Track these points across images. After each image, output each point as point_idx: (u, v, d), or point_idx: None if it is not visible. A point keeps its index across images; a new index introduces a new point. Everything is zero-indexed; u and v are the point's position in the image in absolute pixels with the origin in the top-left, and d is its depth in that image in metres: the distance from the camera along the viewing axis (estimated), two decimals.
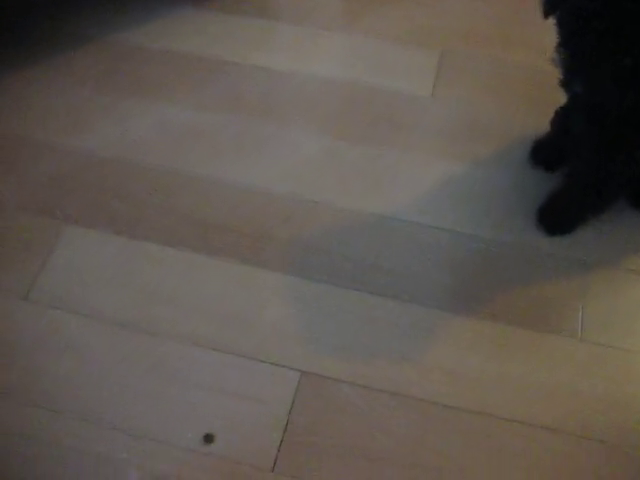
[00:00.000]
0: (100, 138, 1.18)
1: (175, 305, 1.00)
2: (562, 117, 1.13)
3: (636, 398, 0.95)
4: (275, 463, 0.88)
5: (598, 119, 0.97)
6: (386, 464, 0.88)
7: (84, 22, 1.35)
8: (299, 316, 1.00)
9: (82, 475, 0.87)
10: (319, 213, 1.11)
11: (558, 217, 1.11)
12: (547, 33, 0.91)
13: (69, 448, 0.88)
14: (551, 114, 1.14)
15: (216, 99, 1.24)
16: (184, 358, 0.95)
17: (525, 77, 1.27)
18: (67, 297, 1.00)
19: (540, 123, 1.17)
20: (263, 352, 0.96)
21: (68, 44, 1.31)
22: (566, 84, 0.92)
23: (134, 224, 1.08)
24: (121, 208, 1.10)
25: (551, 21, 0.87)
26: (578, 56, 0.86)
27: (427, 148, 1.19)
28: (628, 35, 0.79)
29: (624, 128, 0.94)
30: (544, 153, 1.17)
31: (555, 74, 0.94)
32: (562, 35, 0.88)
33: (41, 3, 1.36)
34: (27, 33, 1.33)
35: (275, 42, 1.35)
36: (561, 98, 1.03)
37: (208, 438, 0.89)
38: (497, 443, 0.91)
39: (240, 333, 0.98)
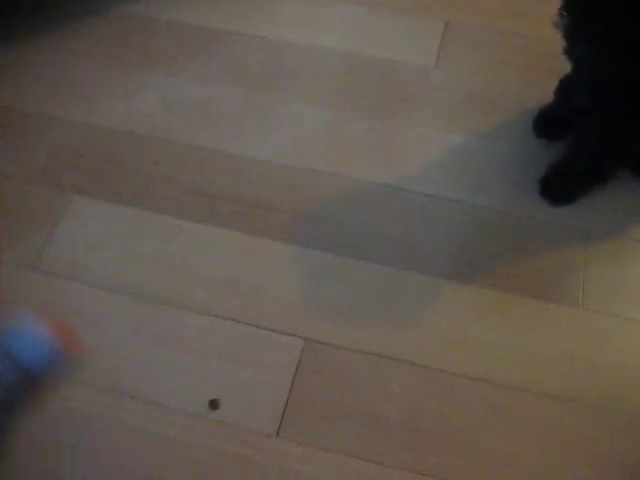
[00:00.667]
0: (106, 111, 1.19)
1: (181, 274, 1.02)
2: (565, 87, 1.13)
3: (636, 365, 0.96)
4: (279, 428, 0.89)
5: (601, 90, 0.98)
6: (387, 428, 0.90)
7: None
8: (303, 284, 1.01)
9: (92, 439, 0.89)
10: (322, 183, 1.12)
11: (561, 187, 1.11)
12: (552, 3, 0.91)
13: (79, 413, 0.90)
14: (555, 84, 1.15)
15: (220, 71, 1.25)
16: (190, 326, 0.97)
17: (529, 48, 1.27)
18: (74, 267, 1.02)
19: (544, 93, 1.17)
20: (267, 320, 0.98)
21: (73, 18, 1.32)
22: (568, 50, 0.92)
23: (140, 195, 1.09)
24: (127, 179, 1.11)
25: None
26: (581, 20, 0.86)
27: (431, 119, 1.20)
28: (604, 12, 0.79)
29: (626, 100, 0.94)
30: (548, 123, 1.18)
31: (559, 44, 0.94)
32: None
33: None
34: (31, 8, 1.33)
35: (279, 13, 1.35)
36: (565, 68, 1.03)
37: (213, 404, 0.90)
38: (496, 409, 0.92)
39: (244, 301, 0.99)
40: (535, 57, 1.25)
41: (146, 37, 1.29)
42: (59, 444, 0.88)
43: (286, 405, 0.91)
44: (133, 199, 1.09)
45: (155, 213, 1.08)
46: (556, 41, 0.93)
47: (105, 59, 1.27)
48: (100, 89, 1.22)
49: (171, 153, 1.14)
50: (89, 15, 1.33)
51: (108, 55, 1.27)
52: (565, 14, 0.88)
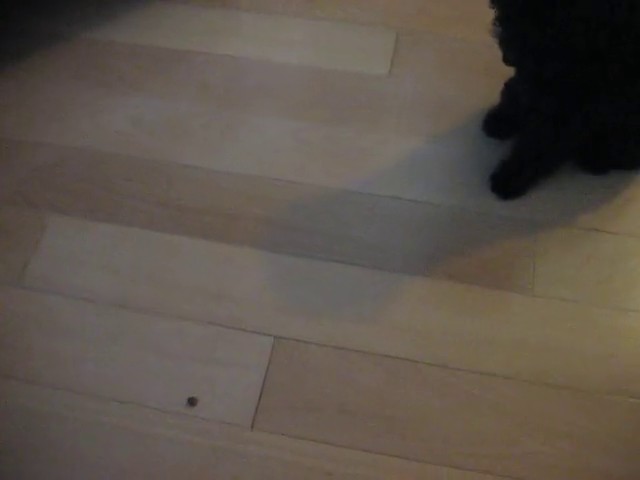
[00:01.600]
0: (77, 132, 1.25)
1: (155, 283, 1.08)
2: (510, 88, 1.20)
3: (583, 345, 1.04)
4: (254, 421, 0.96)
5: (536, 91, 1.05)
6: (355, 416, 0.97)
7: (54, 21, 1.41)
8: (271, 286, 1.08)
9: (77, 441, 0.94)
10: (285, 191, 1.18)
11: (509, 182, 1.18)
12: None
13: (65, 418, 0.96)
14: (501, 86, 1.22)
15: (185, 89, 1.31)
16: (167, 330, 1.03)
17: (478, 53, 1.35)
18: (55, 281, 1.08)
19: (493, 95, 1.24)
20: (239, 321, 1.04)
21: (40, 45, 1.37)
22: (504, 57, 0.99)
23: (114, 210, 1.15)
24: (101, 196, 1.17)
25: None
26: (508, 28, 0.94)
27: (387, 125, 1.27)
28: (548, 7, 0.86)
29: (559, 96, 1.02)
30: (496, 123, 1.25)
31: None
32: (496, 9, 0.95)
33: (9, 4, 1.42)
34: None
35: (238, 30, 1.42)
36: (510, 70, 1.10)
37: (192, 401, 0.97)
38: (456, 392, 0.99)
39: (217, 305, 1.06)
40: (482, 62, 1.33)
41: (112, 60, 1.35)
42: (44, 445, 0.94)
43: (259, 399, 0.97)
44: (107, 214, 1.15)
45: (128, 227, 1.14)
46: None
47: (73, 82, 1.32)
48: (70, 111, 1.28)
49: (141, 169, 1.20)
50: (56, 41, 1.38)
51: (76, 78, 1.33)
52: (498, 24, 0.95)
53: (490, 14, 0.96)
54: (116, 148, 1.23)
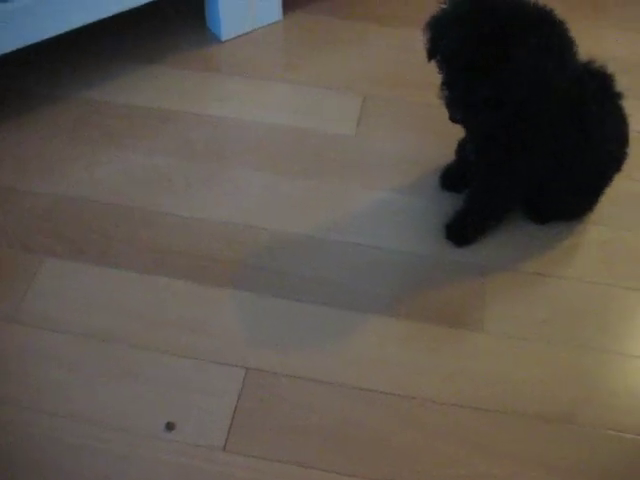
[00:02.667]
0: (70, 182, 1.36)
1: (140, 319, 1.18)
2: (461, 146, 1.34)
3: (528, 375, 1.14)
4: (226, 443, 1.05)
5: (480, 146, 1.19)
6: (319, 439, 1.06)
7: (52, 82, 1.54)
8: (244, 323, 1.18)
9: (61, 462, 1.03)
10: (260, 237, 1.30)
11: (462, 231, 1.29)
12: None
13: (52, 440, 1.05)
14: (455, 145, 1.36)
15: (170, 145, 1.44)
16: (149, 362, 1.13)
17: (436, 116, 1.47)
18: (48, 317, 1.17)
19: (448, 154, 1.38)
20: (214, 354, 1.14)
21: (39, 102, 1.50)
22: (449, 116, 1.12)
23: (103, 253, 1.26)
24: (91, 240, 1.28)
25: None
26: (451, 92, 1.07)
27: (352, 179, 1.39)
28: (482, 71, 0.99)
29: (498, 154, 1.15)
30: (451, 178, 1.37)
31: None
32: (443, 74, 1.09)
33: (11, 65, 1.55)
34: None
35: (220, 93, 1.56)
36: (462, 131, 1.24)
37: (169, 426, 1.06)
38: (411, 418, 1.09)
39: (195, 339, 1.16)
40: (440, 123, 1.45)
41: (103, 118, 1.48)
42: (32, 464, 1.03)
43: (231, 424, 1.07)
44: (96, 257, 1.26)
45: (116, 268, 1.24)
46: None
47: (68, 138, 1.44)
48: (64, 163, 1.40)
49: (128, 216, 1.32)
50: (53, 100, 1.51)
51: (71, 134, 1.45)
52: (444, 88, 1.09)
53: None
54: (104, 197, 1.35)
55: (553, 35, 1.00)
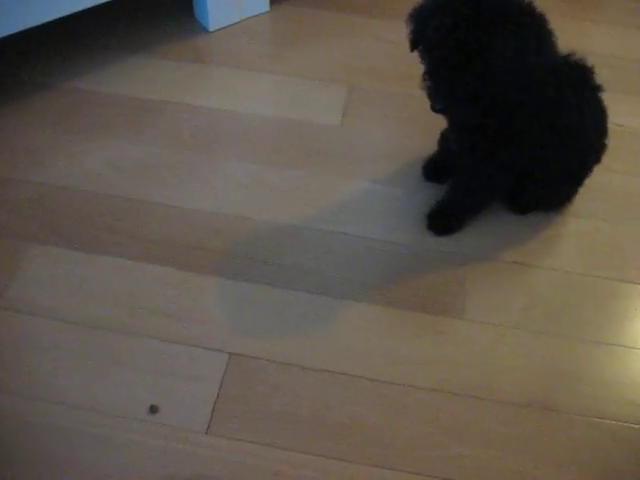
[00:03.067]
0: (56, 171, 1.38)
1: (125, 305, 1.20)
2: (444, 137, 1.36)
3: (505, 362, 1.17)
4: (208, 427, 1.07)
5: (462, 136, 1.21)
6: (301, 423, 1.08)
7: (41, 71, 1.56)
8: (228, 309, 1.20)
9: (53, 447, 1.05)
10: (245, 226, 1.32)
11: (443, 221, 1.32)
12: None
13: (39, 425, 1.06)
14: (438, 136, 1.38)
15: (156, 135, 1.45)
16: (133, 347, 1.15)
17: (419, 107, 1.49)
18: (32, 303, 1.19)
19: (431, 144, 1.40)
20: (198, 339, 1.16)
21: (28, 91, 1.52)
22: (431, 105, 1.14)
23: (88, 241, 1.28)
24: (77, 229, 1.29)
25: None
26: (436, 80, 1.08)
27: (336, 169, 1.41)
28: (464, 60, 1.00)
29: (480, 144, 1.17)
30: (433, 169, 1.39)
31: None
32: (425, 64, 1.11)
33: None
34: None
35: (208, 83, 1.57)
36: (444, 121, 1.26)
37: (153, 409, 1.08)
38: (391, 403, 1.11)
39: (179, 325, 1.18)
40: (424, 114, 1.47)
41: (91, 107, 1.50)
42: (17, 449, 1.04)
43: (214, 408, 1.09)
44: (81, 245, 1.27)
45: (101, 255, 1.26)
46: None
47: (56, 127, 1.46)
48: (51, 153, 1.41)
49: (114, 205, 1.33)
50: (41, 89, 1.52)
51: (58, 123, 1.47)
52: (427, 78, 1.10)
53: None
54: (92, 187, 1.36)
55: (533, 25, 1.02)
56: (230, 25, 1.68)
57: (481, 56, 0.99)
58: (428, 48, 1.06)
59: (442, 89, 1.06)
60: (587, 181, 1.31)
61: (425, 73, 1.09)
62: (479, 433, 1.09)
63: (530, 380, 1.15)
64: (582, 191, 1.34)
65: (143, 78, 1.57)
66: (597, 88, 1.21)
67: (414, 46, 1.10)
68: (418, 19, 1.08)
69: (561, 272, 1.28)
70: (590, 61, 1.19)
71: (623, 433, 1.10)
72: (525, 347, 1.19)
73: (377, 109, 1.53)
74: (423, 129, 1.47)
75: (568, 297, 1.25)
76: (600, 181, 1.38)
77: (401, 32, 1.15)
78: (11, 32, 1.35)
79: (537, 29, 1.03)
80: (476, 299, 1.24)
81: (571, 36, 1.05)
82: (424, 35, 1.05)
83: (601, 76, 1.21)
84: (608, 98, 1.23)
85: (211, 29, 1.67)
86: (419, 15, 1.08)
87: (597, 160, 1.28)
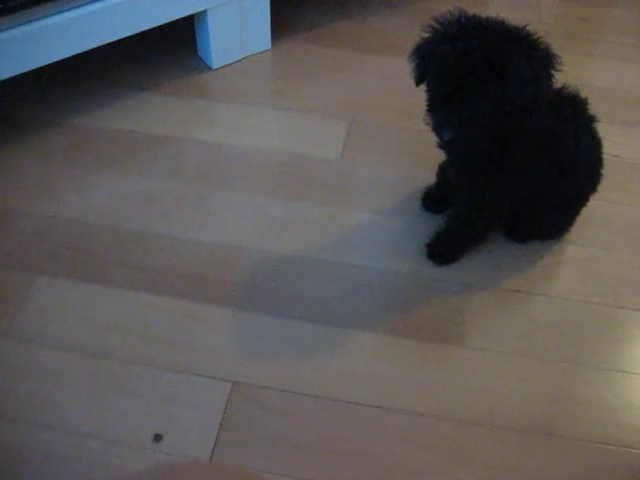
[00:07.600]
0: (64, 205, 1.41)
1: (132, 335, 1.21)
2: (442, 169, 1.38)
3: (506, 389, 1.18)
4: (212, 454, 1.08)
5: (462, 169, 1.24)
6: (303, 450, 1.09)
7: (48, 109, 1.60)
8: (232, 339, 1.22)
9: (59, 475, 1.06)
10: (250, 257, 1.34)
11: (443, 250, 1.34)
12: None
13: (44, 453, 1.08)
14: (437, 168, 1.41)
15: (161, 169, 1.49)
16: (139, 376, 1.16)
17: (418, 140, 1.55)
18: (40, 334, 1.21)
19: (430, 176, 1.43)
20: (202, 368, 1.17)
21: (36, 128, 1.55)
22: (439, 143, 1.15)
23: (95, 273, 1.30)
24: (84, 260, 1.32)
25: None
26: (443, 111, 1.10)
27: (338, 201, 1.44)
28: (477, 86, 1.01)
29: (479, 177, 1.20)
30: (432, 200, 1.42)
31: None
32: (429, 98, 1.12)
33: (9, 93, 1.61)
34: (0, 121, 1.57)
35: (211, 118, 1.61)
36: (443, 154, 1.28)
37: (157, 437, 1.09)
38: (394, 429, 1.12)
39: (184, 355, 1.19)
40: (422, 147, 1.52)
41: (97, 143, 1.53)
42: (25, 477, 1.05)
43: (217, 436, 1.10)
44: (88, 276, 1.29)
45: (108, 287, 1.28)
46: None
47: (62, 162, 1.49)
48: (59, 186, 1.44)
49: (120, 237, 1.36)
50: (49, 126, 1.56)
51: (65, 158, 1.50)
52: (434, 109, 1.12)
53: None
54: (99, 219, 1.39)
55: (543, 47, 1.05)
56: (233, 62, 1.73)
57: (497, 78, 0.99)
58: (438, 76, 1.05)
59: (453, 117, 1.06)
60: (585, 210, 1.34)
61: (430, 106, 1.10)
62: (482, 459, 1.10)
63: (531, 406, 1.16)
64: (580, 220, 1.36)
65: (148, 114, 1.61)
66: (591, 118, 1.24)
67: (420, 80, 1.10)
68: (424, 52, 1.07)
69: (560, 299, 1.30)
70: (587, 93, 1.22)
71: (625, 458, 1.11)
72: (526, 373, 1.20)
73: (377, 142, 1.56)
74: (422, 161, 1.50)
75: (568, 324, 1.27)
76: (598, 210, 1.40)
77: (400, 68, 1.18)
78: (16, 73, 1.39)
79: (547, 51, 1.05)
80: (477, 327, 1.26)
81: (568, 69, 1.08)
82: (433, 64, 1.05)
83: (598, 108, 1.24)
84: (605, 129, 1.26)
85: (214, 67, 1.71)
86: (424, 49, 1.07)
87: (593, 189, 1.30)
